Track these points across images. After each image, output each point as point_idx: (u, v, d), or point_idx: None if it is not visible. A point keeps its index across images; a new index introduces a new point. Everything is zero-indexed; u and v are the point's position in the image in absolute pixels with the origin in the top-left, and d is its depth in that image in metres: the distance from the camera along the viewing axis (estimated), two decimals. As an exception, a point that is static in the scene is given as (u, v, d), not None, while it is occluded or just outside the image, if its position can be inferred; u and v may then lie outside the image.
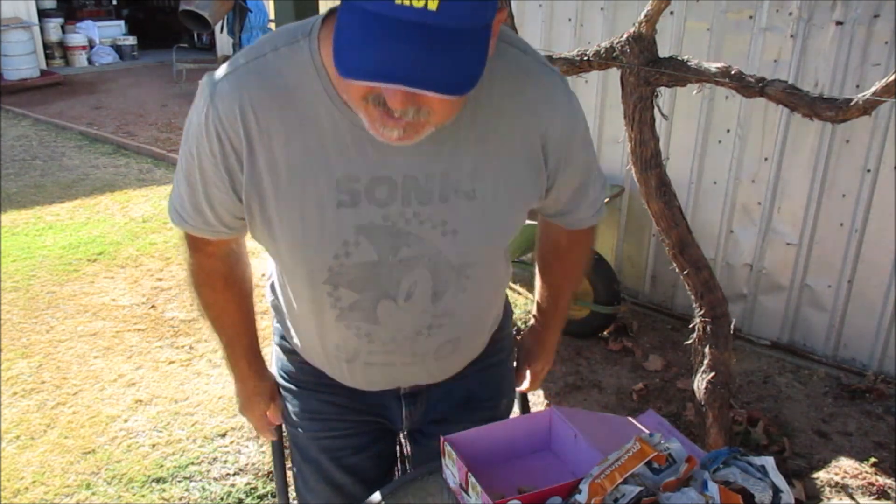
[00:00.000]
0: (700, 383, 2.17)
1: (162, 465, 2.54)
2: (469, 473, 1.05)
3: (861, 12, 2.69)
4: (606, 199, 1.32)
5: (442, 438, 1.12)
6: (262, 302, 1.49)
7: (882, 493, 2.42)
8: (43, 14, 9.58)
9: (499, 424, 1.21)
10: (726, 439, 2.22)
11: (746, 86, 1.85)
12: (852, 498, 2.41)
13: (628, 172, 2.55)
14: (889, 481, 2.47)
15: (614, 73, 2.18)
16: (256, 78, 0.97)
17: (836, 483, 2.47)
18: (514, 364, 1.49)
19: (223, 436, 2.70)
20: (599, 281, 3.19)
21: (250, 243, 1.19)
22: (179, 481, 2.47)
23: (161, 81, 9.14)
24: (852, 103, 1.73)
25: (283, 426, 1.43)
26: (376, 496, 1.18)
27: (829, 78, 2.81)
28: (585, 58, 2.15)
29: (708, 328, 2.11)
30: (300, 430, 1.35)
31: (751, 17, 2.95)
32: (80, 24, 10.23)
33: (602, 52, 2.09)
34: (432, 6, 0.75)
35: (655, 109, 2.06)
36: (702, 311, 2.12)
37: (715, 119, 3.17)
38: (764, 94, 1.84)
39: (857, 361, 3.09)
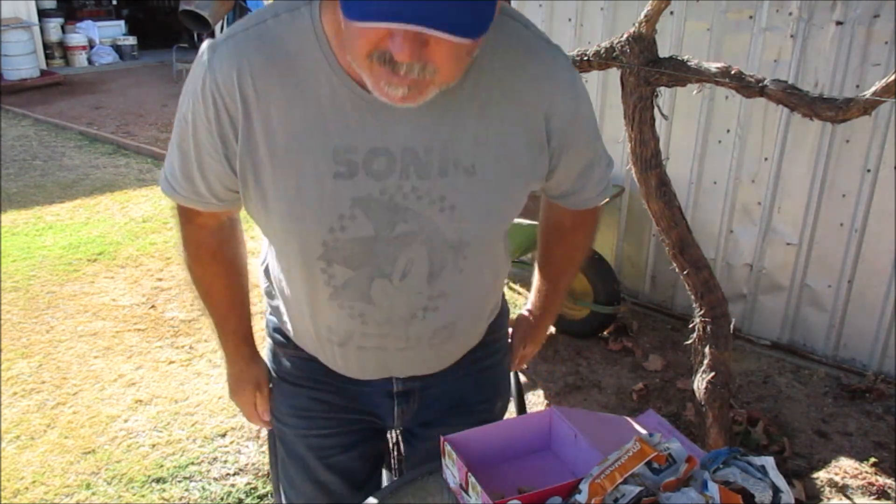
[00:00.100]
0: (700, 383, 2.17)
1: (162, 465, 2.54)
2: (469, 473, 1.05)
3: (861, 12, 2.70)
4: (606, 200, 1.30)
5: (442, 438, 1.12)
6: (261, 304, 1.49)
7: (882, 493, 2.42)
8: (43, 14, 9.59)
9: (499, 424, 1.21)
10: (726, 439, 2.22)
11: (746, 86, 1.86)
12: (852, 498, 2.41)
13: (628, 172, 2.55)
14: (889, 481, 2.47)
15: (614, 73, 2.18)
16: (256, 43, 0.96)
17: (836, 483, 2.47)
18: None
19: (223, 436, 2.70)
20: (599, 281, 3.19)
21: (250, 244, 1.18)
22: (179, 481, 2.47)
23: (161, 81, 9.15)
24: (852, 103, 1.73)
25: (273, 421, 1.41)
26: (376, 496, 1.18)
27: (829, 78, 2.81)
28: (585, 58, 2.15)
29: (708, 328, 2.11)
30: (287, 427, 1.34)
31: (751, 17, 2.95)
32: (80, 24, 10.24)
33: (602, 52, 2.09)
34: None
35: (655, 109, 2.06)
36: (702, 311, 2.12)
37: (715, 119, 3.17)
38: (764, 94, 1.85)
39: (857, 361, 3.09)
